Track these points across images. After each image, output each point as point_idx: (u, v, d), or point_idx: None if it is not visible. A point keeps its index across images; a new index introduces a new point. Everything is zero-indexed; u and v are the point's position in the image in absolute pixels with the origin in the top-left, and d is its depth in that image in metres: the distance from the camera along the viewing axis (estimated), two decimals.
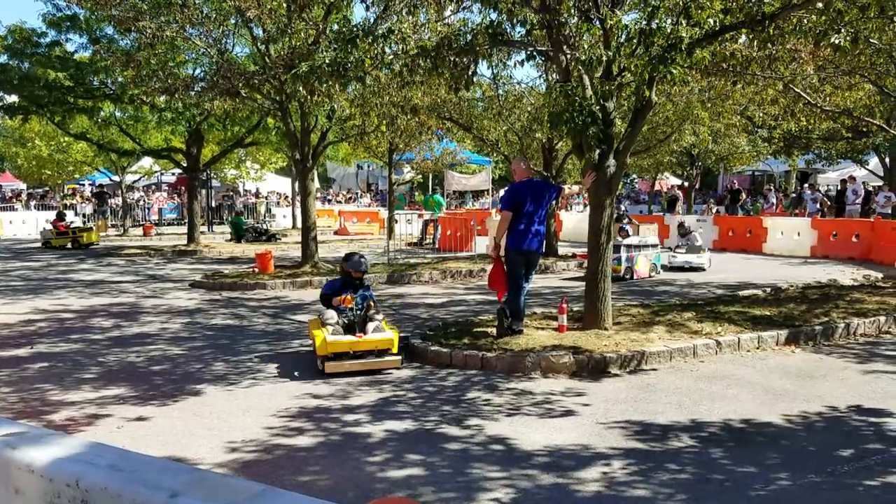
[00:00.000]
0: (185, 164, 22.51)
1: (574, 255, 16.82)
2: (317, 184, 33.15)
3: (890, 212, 21.51)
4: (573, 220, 23.96)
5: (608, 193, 8.54)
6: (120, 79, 18.46)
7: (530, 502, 4.41)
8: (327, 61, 8.19)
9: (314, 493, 4.54)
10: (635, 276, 14.27)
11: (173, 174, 37.24)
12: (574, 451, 5.22)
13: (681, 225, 17.53)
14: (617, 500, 4.42)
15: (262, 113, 18.07)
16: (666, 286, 13.44)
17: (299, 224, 19.18)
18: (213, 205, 34.20)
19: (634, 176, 41.56)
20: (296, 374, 7.43)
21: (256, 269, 14.92)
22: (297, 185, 24.30)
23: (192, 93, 14.95)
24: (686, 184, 31.34)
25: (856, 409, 6.09)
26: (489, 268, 15.35)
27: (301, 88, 9.13)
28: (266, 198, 40.03)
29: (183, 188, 32.62)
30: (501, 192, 42.37)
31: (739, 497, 4.45)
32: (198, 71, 18.15)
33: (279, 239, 25.13)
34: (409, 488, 4.63)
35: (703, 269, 15.43)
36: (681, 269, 15.58)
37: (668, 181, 39.89)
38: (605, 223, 8.55)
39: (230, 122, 21.23)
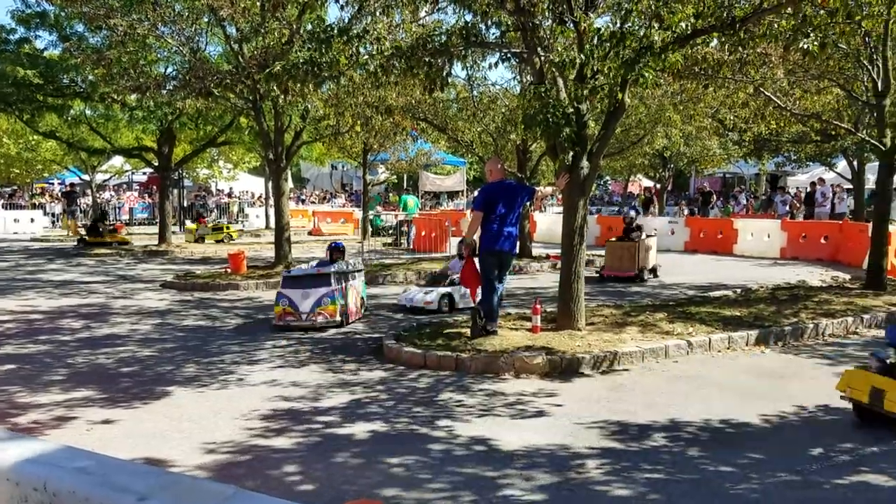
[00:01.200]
0: (156, 164, 22.27)
1: (548, 256, 16.89)
2: (290, 184, 32.96)
3: (846, 211, 21.87)
4: (547, 222, 24.04)
5: (581, 195, 8.58)
6: (90, 77, 18.21)
7: (513, 499, 4.42)
8: (301, 60, 8.15)
9: (286, 495, 4.51)
10: (350, 319, 10.17)
11: (144, 173, 36.82)
12: (552, 451, 5.23)
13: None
14: (592, 500, 4.44)
15: (234, 112, 17.92)
16: (638, 287, 13.54)
17: (273, 224, 19.06)
18: (185, 204, 33.86)
19: (608, 178, 41.83)
20: (267, 376, 7.38)
21: (229, 270, 14.80)
22: (270, 185, 24.16)
23: (164, 91, 14.81)
24: (658, 186, 31.59)
25: (824, 409, 6.18)
26: None
27: (275, 88, 9.08)
28: (239, 198, 39.71)
29: (154, 188, 32.26)
30: (476, 193, 42.50)
31: (712, 496, 4.49)
32: (170, 69, 17.98)
33: (232, 238, 24.86)
34: (380, 489, 4.61)
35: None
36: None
37: (641, 183, 40.22)
38: (579, 224, 8.60)
39: (202, 121, 21.05)
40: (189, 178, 34.20)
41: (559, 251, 9.24)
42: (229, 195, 39.81)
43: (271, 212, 24.15)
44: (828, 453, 5.19)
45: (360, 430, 5.74)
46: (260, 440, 5.50)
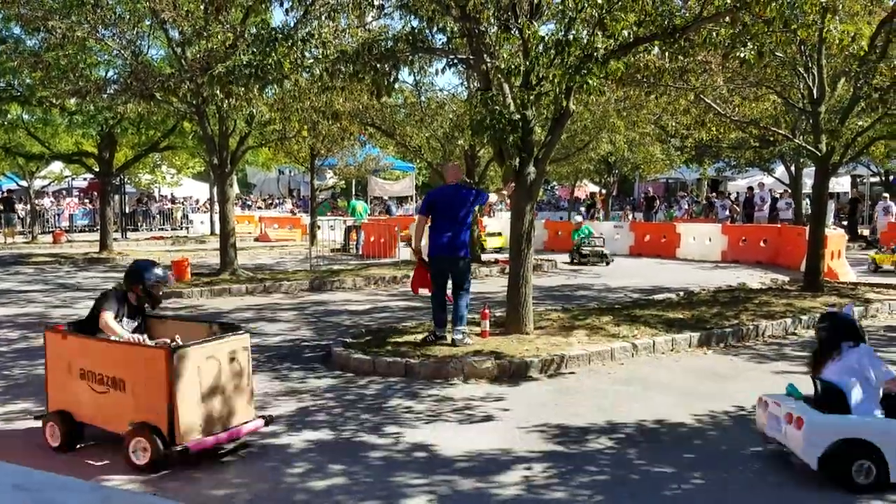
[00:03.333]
0: (97, 169, 21.73)
1: (496, 261, 16.98)
2: (236, 189, 32.55)
3: (792, 217, 22.51)
4: (497, 227, 24.19)
5: (528, 200, 8.66)
6: (28, 80, 17.66)
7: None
8: (244, 63, 8.06)
9: None
10: None
11: (85, 179, 35.88)
12: (494, 456, 5.26)
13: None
14: (537, 503, 4.47)
15: (178, 116, 17.60)
16: (585, 290, 13.71)
17: (217, 230, 18.76)
18: (127, 211, 33.11)
19: (554, 183, 42.29)
20: None
21: (172, 277, 14.50)
22: (215, 190, 23.81)
23: (105, 95, 14.47)
24: (604, 191, 32.08)
25: None
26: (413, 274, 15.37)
27: (218, 91, 8.96)
28: (183, 203, 39.00)
29: (95, 194, 31.46)
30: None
31: (654, 496, 4.57)
32: (111, 73, 17.56)
33: None
34: (329, 498, 4.57)
35: None
36: None
37: (587, 188, 40.77)
38: (526, 229, 8.67)
39: (144, 126, 20.58)
40: (131, 184, 33.45)
41: (507, 256, 9.31)
42: (172, 201, 39.07)
43: (216, 218, 23.79)
44: (767, 452, 5.31)
45: (307, 438, 5.68)
46: (205, 451, 5.39)
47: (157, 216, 35.87)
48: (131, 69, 13.92)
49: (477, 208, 9.51)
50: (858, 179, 32.91)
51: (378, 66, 8.08)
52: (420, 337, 8.52)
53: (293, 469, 5.06)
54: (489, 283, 14.99)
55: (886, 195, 23.51)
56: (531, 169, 8.53)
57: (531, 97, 8.04)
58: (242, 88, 8.35)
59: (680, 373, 7.61)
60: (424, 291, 8.83)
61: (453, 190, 8.55)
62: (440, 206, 8.34)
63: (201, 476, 4.94)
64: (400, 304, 12.32)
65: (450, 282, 8.39)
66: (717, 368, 7.80)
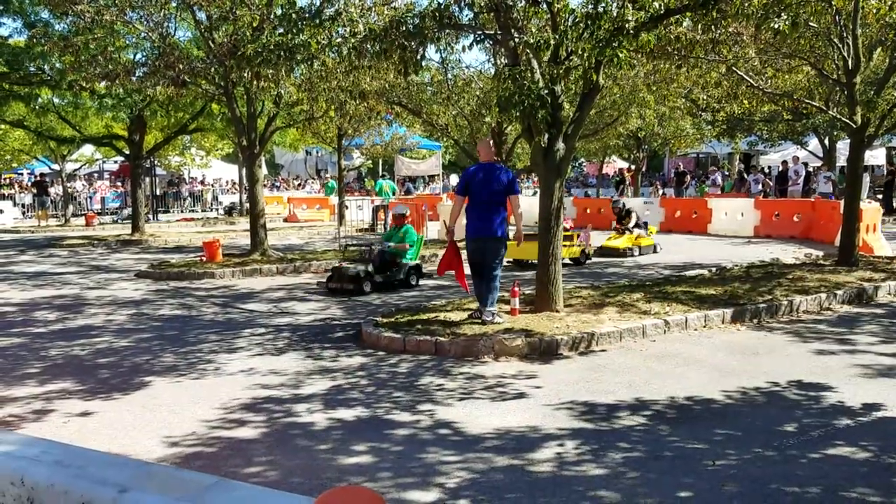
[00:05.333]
0: (127, 152, 21.96)
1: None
2: (265, 170, 32.73)
3: (831, 190, 22.13)
4: (523, 204, 24.12)
5: (557, 177, 8.60)
6: (58, 64, 17.85)
7: (485, 485, 4.44)
8: (273, 44, 8.06)
9: (267, 483, 4.50)
10: None
11: (116, 162, 36.32)
12: (527, 433, 5.27)
13: None
14: (572, 480, 4.48)
15: (206, 98, 17.66)
16: (615, 268, 13.63)
17: (248, 210, 18.90)
18: (158, 193, 33.48)
19: (583, 159, 41.95)
20: (246, 364, 7.35)
21: (204, 258, 14.67)
22: (244, 171, 23.93)
23: (134, 78, 14.57)
24: (633, 167, 31.75)
25: (798, 385, 6.27)
26: (441, 252, 15.40)
27: (247, 73, 8.98)
28: (212, 185, 39.34)
29: (126, 176, 31.83)
30: (453, 177, 42.28)
31: (689, 472, 4.55)
32: (139, 56, 17.70)
33: None
34: (364, 475, 4.62)
35: None
36: None
37: (616, 164, 40.38)
38: (555, 206, 8.62)
39: (173, 108, 20.74)
40: (161, 167, 33.79)
41: (536, 233, 9.26)
42: (202, 183, 39.42)
43: (245, 199, 23.95)
44: (802, 428, 5.27)
45: (340, 416, 5.73)
46: (239, 429, 5.48)
47: (188, 198, 36.23)
48: (159, 52, 13.99)
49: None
50: (894, 152, 32.20)
51: (405, 43, 8.03)
52: (455, 315, 8.54)
53: (327, 446, 5.11)
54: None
55: None
56: (560, 145, 8.46)
57: (560, 72, 7.96)
58: (271, 70, 8.34)
59: (712, 349, 7.55)
60: (450, 272, 8.86)
61: (489, 168, 8.48)
62: (476, 185, 8.31)
63: (236, 454, 5.01)
64: (428, 283, 12.34)
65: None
66: (750, 345, 7.73)
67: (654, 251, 15.89)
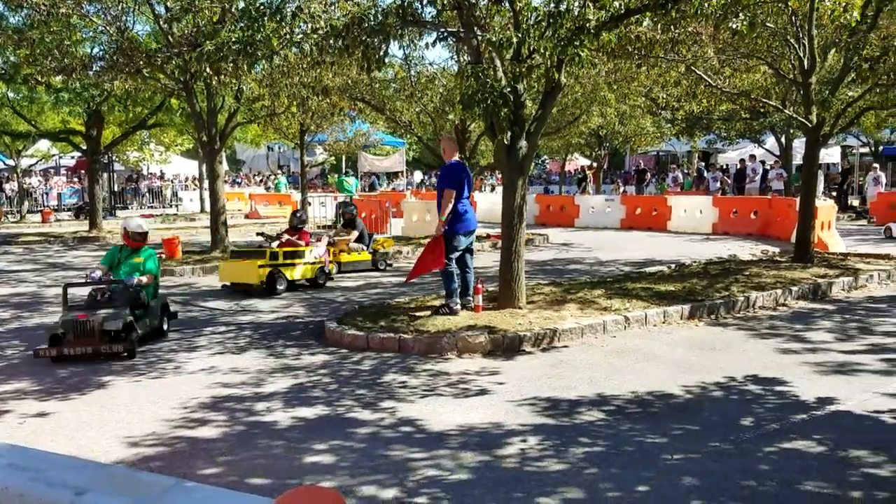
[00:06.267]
0: (84, 147, 21.57)
1: (488, 236, 16.99)
2: (225, 166, 32.36)
3: (783, 187, 22.57)
4: (487, 201, 24.20)
5: (520, 174, 8.65)
6: (12, 58, 17.43)
7: (448, 482, 4.46)
8: (234, 39, 7.97)
9: (228, 483, 4.46)
10: None
11: (73, 157, 35.61)
12: (490, 429, 5.30)
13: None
14: (534, 476, 4.52)
15: (165, 93, 17.45)
16: (576, 264, 13.75)
17: (208, 208, 18.69)
18: (116, 189, 32.90)
19: (545, 157, 42.22)
20: (206, 363, 7.27)
21: (163, 255, 14.47)
22: (204, 167, 23.65)
23: (91, 72, 14.30)
24: (595, 164, 32.05)
25: (754, 379, 6.40)
26: (405, 249, 15.36)
27: (207, 68, 8.87)
28: (172, 181, 38.78)
29: (83, 172, 31.24)
30: (417, 174, 42.18)
31: (649, 466, 4.62)
32: (96, 49, 17.35)
33: None
34: (327, 474, 4.61)
35: None
36: None
37: (578, 162, 40.71)
38: (518, 203, 8.67)
39: (132, 103, 20.43)
40: (119, 162, 33.23)
41: (499, 230, 9.32)
42: (162, 178, 38.84)
43: (206, 195, 23.65)
44: (758, 422, 5.37)
45: (302, 414, 5.71)
46: (200, 429, 5.42)
47: (147, 194, 35.68)
48: (117, 45, 13.75)
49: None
50: (848, 150, 32.98)
51: (368, 40, 8.00)
52: (421, 313, 8.56)
53: (289, 445, 5.08)
54: (481, 258, 15.00)
55: (876, 165, 23.60)
56: (523, 143, 8.51)
57: (522, 70, 8.00)
58: (231, 65, 8.26)
59: (671, 345, 7.66)
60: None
61: (463, 164, 8.94)
62: (462, 180, 8.60)
63: (196, 454, 4.97)
64: (392, 280, 12.33)
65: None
66: (708, 340, 7.86)
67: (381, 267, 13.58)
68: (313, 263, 11.78)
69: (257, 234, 12.84)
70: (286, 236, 11.91)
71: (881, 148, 28.36)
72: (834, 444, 4.93)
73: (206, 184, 21.71)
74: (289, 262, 11.41)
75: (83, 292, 8.46)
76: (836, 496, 4.19)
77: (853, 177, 29.75)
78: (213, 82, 12.47)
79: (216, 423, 5.51)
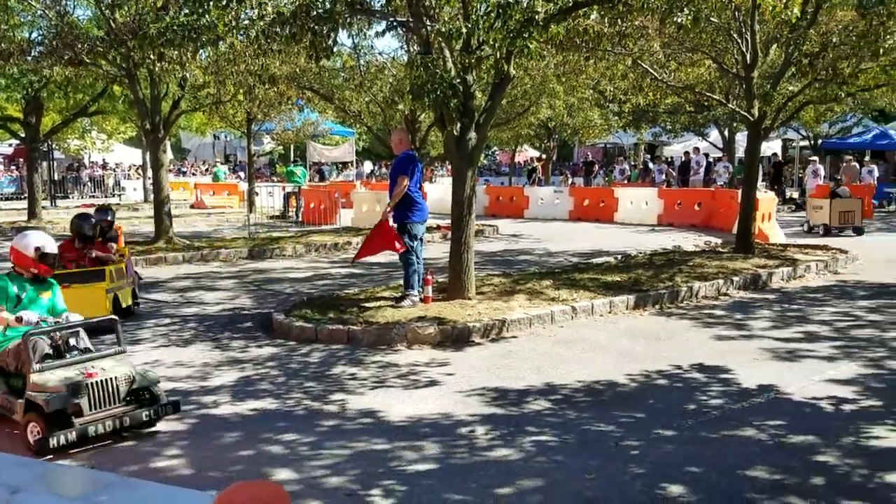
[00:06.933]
0: (22, 135, 20.91)
1: (438, 227, 17.00)
2: (170, 155, 31.71)
3: (727, 180, 23.07)
4: (438, 192, 24.20)
5: (470, 165, 8.67)
6: None
7: (399, 472, 4.46)
8: (178, 24, 7.80)
9: (174, 478, 4.40)
10: None
11: (10, 145, 34.47)
12: (439, 420, 5.31)
13: None
14: (485, 465, 4.55)
15: (107, 80, 16.98)
16: (526, 255, 13.85)
17: (151, 197, 18.29)
18: (56, 178, 31.96)
19: (495, 148, 42.39)
20: (150, 356, 7.13)
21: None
22: (148, 156, 23.11)
23: (29, 58, 13.83)
24: (544, 156, 32.29)
25: (697, 368, 6.54)
26: (355, 241, 15.26)
27: (150, 54, 8.68)
28: (114, 170, 37.85)
29: (22, 160, 30.25)
30: (367, 164, 41.92)
31: (595, 454, 4.69)
32: (35, 34, 16.80)
33: None
34: (275, 467, 4.57)
35: None
36: None
37: (528, 153, 40.99)
38: (468, 195, 8.69)
39: (72, 90, 19.86)
40: (60, 150, 32.28)
41: (449, 222, 9.34)
42: (104, 167, 37.87)
43: (150, 184, 23.17)
44: (701, 409, 5.50)
45: (250, 407, 5.64)
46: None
47: (88, 183, 34.78)
48: (57, 31, 13.33)
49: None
50: (789, 143, 33.84)
51: (316, 28, 7.91)
52: (370, 304, 8.52)
53: (237, 438, 5.02)
54: (431, 249, 15.00)
55: (815, 158, 24.25)
56: (472, 134, 8.52)
57: (472, 61, 8.00)
58: (175, 51, 8.08)
59: (617, 335, 7.78)
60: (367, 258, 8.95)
61: (416, 155, 8.98)
62: (415, 170, 8.57)
63: (140, 450, 4.87)
64: (342, 271, 12.26)
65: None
66: (652, 330, 8.00)
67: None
68: (129, 286, 9.00)
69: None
70: (95, 252, 8.62)
71: (820, 141, 29.15)
72: (773, 430, 5.07)
73: (149, 173, 21.21)
74: (103, 285, 8.32)
75: None
76: (777, 481, 4.31)
77: (791, 169, 30.61)
78: (157, 69, 12.20)
79: (169, 418, 5.40)
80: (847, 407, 5.51)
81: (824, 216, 16.23)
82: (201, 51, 10.47)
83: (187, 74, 13.84)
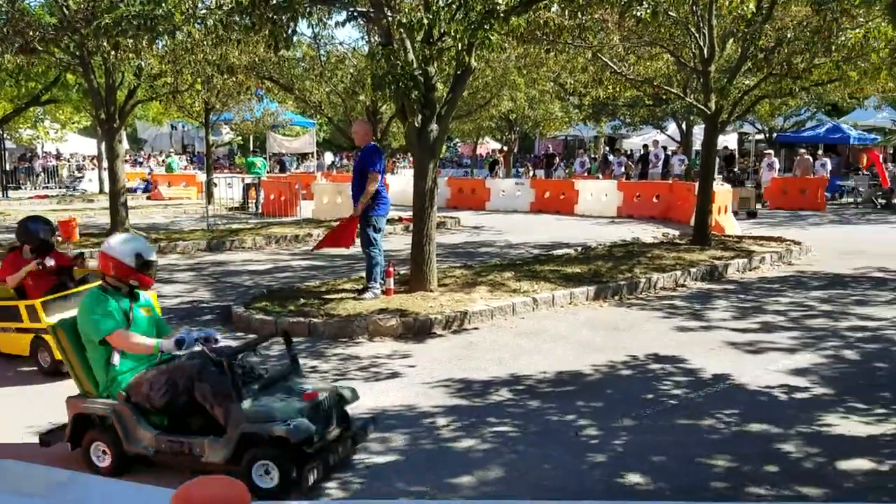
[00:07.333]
0: None
1: (400, 219, 16.96)
2: (126, 145, 31.14)
3: (682, 172, 23.41)
4: (400, 184, 24.13)
5: (431, 157, 8.66)
6: None
7: (361, 465, 4.45)
8: (133, 13, 7.65)
9: (136, 474, 4.33)
10: None
11: None
12: (402, 412, 5.32)
13: None
14: (447, 456, 4.56)
15: (60, 68, 16.59)
16: (487, 247, 13.90)
17: (107, 188, 17.95)
18: (8, 168, 31.17)
19: (457, 140, 42.42)
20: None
21: (60, 238, 13.82)
22: (103, 146, 22.67)
23: None
24: (505, 148, 32.41)
25: (655, 358, 6.64)
26: (315, 232, 15.18)
27: (105, 43, 8.49)
28: (69, 160, 37.03)
29: None
30: (328, 155, 41.54)
31: (556, 445, 4.74)
32: None
33: None
34: None
35: None
36: None
37: (489, 145, 41.09)
38: (430, 186, 8.69)
39: (24, 78, 19.37)
40: (11, 140, 31.49)
41: (411, 213, 9.32)
42: (57, 157, 37.03)
43: (105, 175, 22.73)
44: (659, 399, 5.59)
45: None
46: None
47: (42, 174, 34.00)
48: (7, 17, 12.97)
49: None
50: (745, 137, 34.45)
51: (275, 17, 7.82)
52: (331, 296, 8.48)
53: None
54: (393, 241, 14.98)
55: (770, 151, 24.72)
56: (434, 126, 8.51)
57: (433, 53, 7.99)
58: (131, 40, 7.92)
59: (578, 326, 7.85)
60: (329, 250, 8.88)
61: (379, 147, 8.87)
62: (382, 164, 8.56)
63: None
64: (302, 263, 12.17)
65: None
66: (612, 321, 8.09)
67: None
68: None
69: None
70: (52, 260, 6.88)
71: (775, 135, 29.73)
72: (728, 417, 5.18)
73: (105, 163, 20.80)
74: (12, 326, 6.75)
75: None
76: (733, 469, 4.40)
77: (745, 162, 31.17)
78: (112, 57, 11.96)
79: None
80: (800, 395, 5.65)
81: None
82: (158, 40, 10.27)
83: (143, 63, 13.58)
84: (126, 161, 26.20)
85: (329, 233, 8.93)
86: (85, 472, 3.91)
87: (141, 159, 42.06)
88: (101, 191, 27.54)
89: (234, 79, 15.28)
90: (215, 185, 22.29)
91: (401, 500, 3.96)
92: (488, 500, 3.96)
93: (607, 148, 35.95)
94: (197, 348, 4.33)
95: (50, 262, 6.80)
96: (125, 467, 4.34)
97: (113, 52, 10.58)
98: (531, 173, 30.70)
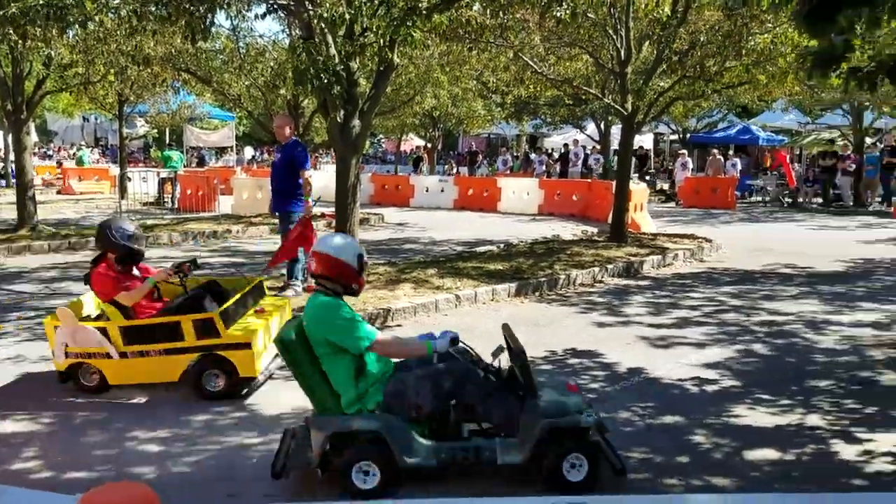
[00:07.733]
0: None
1: (322, 215, 16.79)
2: (34, 137, 29.86)
3: (602, 171, 23.95)
4: (323, 180, 23.88)
5: (354, 153, 8.61)
6: None
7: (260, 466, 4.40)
8: (42, 2, 7.33)
9: (38, 480, 4.19)
10: None
11: None
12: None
13: None
14: None
15: None
16: (411, 244, 13.91)
17: (14, 182, 17.17)
18: None
19: (381, 136, 42.26)
20: (12, 351, 6.72)
21: None
22: (9, 138, 21.66)
23: None
24: (429, 145, 32.47)
25: (573, 352, 6.79)
26: (234, 228, 14.89)
27: (11, 32, 8.12)
28: None
29: None
30: (248, 150, 40.77)
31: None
32: None
33: None
34: (148, 466, 4.41)
35: None
36: None
37: (413, 142, 41.10)
38: (352, 182, 8.64)
39: None
40: None
41: (334, 209, 9.25)
42: None
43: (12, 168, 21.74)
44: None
45: (124, 404, 5.42)
46: (4, 423, 5.01)
47: None
48: None
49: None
50: (660, 137, 35.47)
51: (192, 8, 7.62)
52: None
53: (107, 437, 4.82)
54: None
55: (684, 151, 25.53)
56: (356, 121, 8.47)
57: (355, 48, 7.94)
58: (39, 29, 7.58)
59: (499, 321, 7.91)
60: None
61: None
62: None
63: (5, 449, 4.59)
64: (222, 260, 11.92)
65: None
66: (532, 317, 8.22)
67: None
68: None
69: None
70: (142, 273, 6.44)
71: (689, 136, 30.70)
72: (642, 410, 5.34)
73: (12, 156, 19.88)
74: None
75: None
76: (647, 460, 4.54)
77: (661, 161, 32.12)
78: (19, 47, 11.44)
79: (24, 416, 5.12)
80: (711, 388, 5.87)
81: None
82: (69, 29, 9.87)
83: (53, 53, 13.04)
84: (35, 154, 25.10)
85: (281, 247, 8.66)
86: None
87: (51, 152, 40.43)
88: (8, 185, 26.32)
89: (149, 70, 14.82)
90: (129, 179, 21.57)
91: (401, 500, 3.93)
92: (488, 499, 3.96)
93: (529, 146, 36.44)
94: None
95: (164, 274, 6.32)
96: (396, 483, 4.03)
97: (20, 42, 10.11)
98: (455, 170, 30.85)
